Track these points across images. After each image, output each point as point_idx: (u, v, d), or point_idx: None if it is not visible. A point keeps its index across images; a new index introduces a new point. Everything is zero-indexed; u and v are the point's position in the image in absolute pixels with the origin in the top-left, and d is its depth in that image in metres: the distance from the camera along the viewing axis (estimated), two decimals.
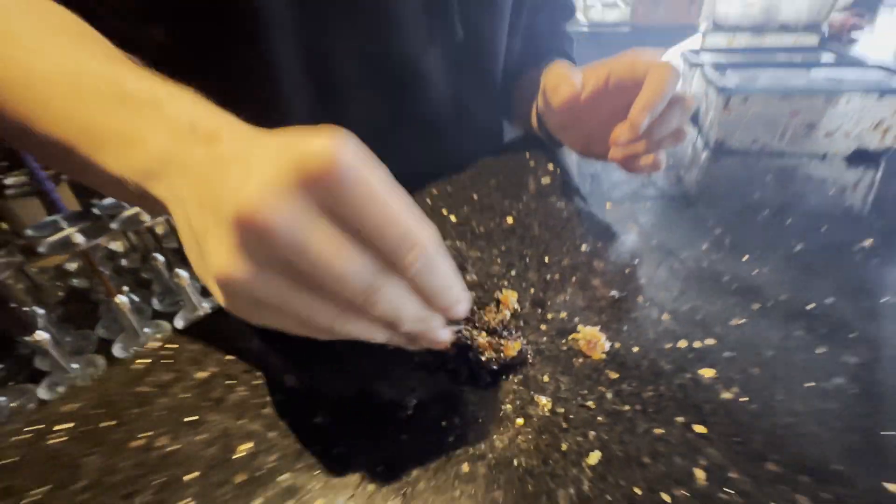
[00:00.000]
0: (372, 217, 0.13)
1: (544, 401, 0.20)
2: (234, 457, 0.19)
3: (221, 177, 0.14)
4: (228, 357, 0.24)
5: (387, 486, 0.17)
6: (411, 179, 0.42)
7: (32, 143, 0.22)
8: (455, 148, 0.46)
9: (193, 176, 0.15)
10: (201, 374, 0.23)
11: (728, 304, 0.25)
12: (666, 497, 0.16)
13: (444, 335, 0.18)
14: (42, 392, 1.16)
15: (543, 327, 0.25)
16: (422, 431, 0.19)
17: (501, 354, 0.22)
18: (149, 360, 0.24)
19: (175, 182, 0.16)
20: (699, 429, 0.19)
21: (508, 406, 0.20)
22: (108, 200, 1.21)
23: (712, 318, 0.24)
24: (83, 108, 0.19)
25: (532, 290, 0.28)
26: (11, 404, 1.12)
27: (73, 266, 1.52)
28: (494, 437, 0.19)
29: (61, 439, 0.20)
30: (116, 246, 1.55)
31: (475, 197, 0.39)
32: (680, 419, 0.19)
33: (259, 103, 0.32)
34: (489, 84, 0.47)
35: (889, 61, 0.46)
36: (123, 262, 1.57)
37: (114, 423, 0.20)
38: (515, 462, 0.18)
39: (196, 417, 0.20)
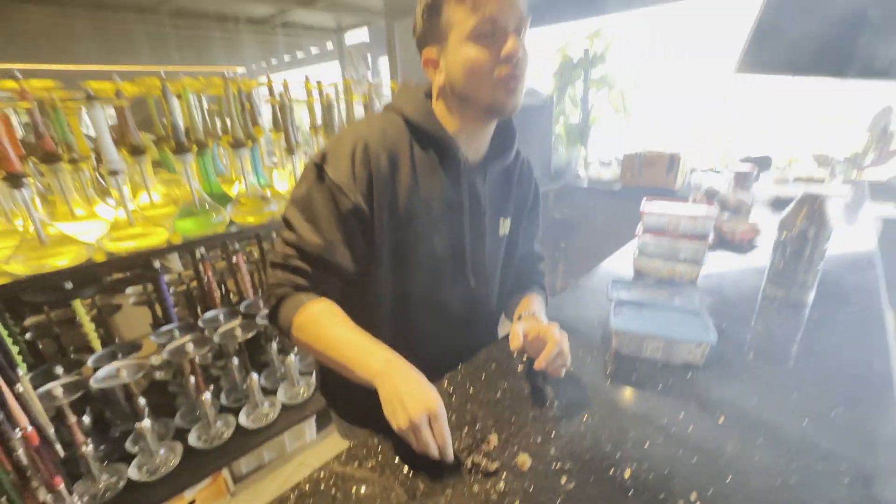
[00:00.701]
0: (436, 424, 0.59)
1: (502, 484, 0.59)
2: (391, 495, 0.57)
3: (403, 392, 0.60)
4: (386, 456, 0.63)
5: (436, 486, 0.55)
6: (451, 360, 0.88)
7: (327, 361, 0.67)
8: (471, 341, 0.90)
9: (390, 383, 0.61)
10: (372, 463, 0.62)
11: (584, 447, 0.64)
12: None
13: (436, 458, 0.61)
14: (133, 472, 1.49)
15: (506, 454, 0.64)
16: (460, 488, 0.57)
17: (488, 468, 0.60)
18: (353, 454, 0.63)
19: (383, 383, 0.62)
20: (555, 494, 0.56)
21: (488, 483, 0.59)
22: (209, 315, 1.65)
23: (575, 455, 0.63)
24: (351, 352, 0.67)
25: (504, 435, 0.67)
26: (110, 480, 1.44)
27: (157, 360, 1.89)
28: (482, 493, 0.57)
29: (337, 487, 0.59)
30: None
31: (483, 376, 0.81)
32: (551, 492, 0.57)
33: (371, 313, 0.79)
34: (489, 305, 0.92)
35: (706, 316, 0.88)
36: (197, 358, 1.95)
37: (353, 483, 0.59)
38: (486, 499, 0.56)
39: (373, 485, 0.59)
